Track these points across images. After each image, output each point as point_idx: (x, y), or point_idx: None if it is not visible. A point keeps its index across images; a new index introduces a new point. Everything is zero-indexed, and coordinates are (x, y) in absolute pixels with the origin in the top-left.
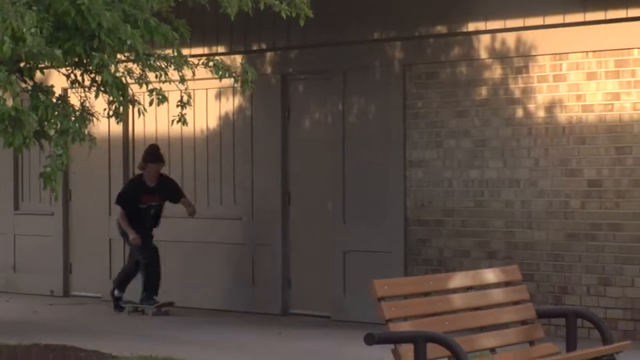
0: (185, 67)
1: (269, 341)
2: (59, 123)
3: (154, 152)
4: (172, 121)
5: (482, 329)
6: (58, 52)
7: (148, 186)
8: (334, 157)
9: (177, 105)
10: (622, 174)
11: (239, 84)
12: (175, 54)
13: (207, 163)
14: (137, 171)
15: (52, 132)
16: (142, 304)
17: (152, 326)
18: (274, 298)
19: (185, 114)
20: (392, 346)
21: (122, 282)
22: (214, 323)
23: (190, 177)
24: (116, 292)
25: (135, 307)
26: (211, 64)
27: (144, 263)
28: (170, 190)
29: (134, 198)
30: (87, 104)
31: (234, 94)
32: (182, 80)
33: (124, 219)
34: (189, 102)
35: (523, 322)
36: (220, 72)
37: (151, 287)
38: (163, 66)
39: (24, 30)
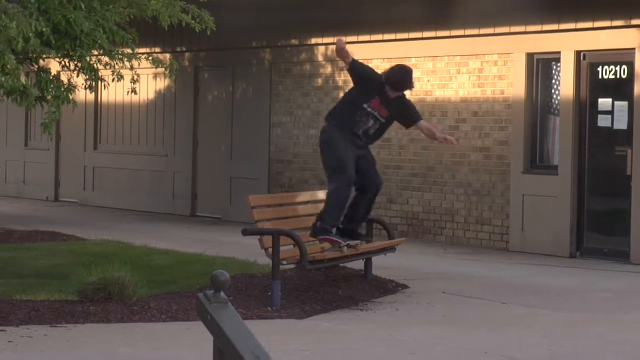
0: (134, 60)
1: (182, 231)
2: (54, 92)
3: None
4: (128, 92)
5: None
6: (51, 51)
7: None
8: (226, 119)
9: (131, 82)
10: (403, 135)
11: (168, 71)
12: (130, 51)
13: (147, 120)
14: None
15: (49, 97)
16: None
17: (111, 220)
18: (186, 206)
19: (135, 87)
20: (258, 237)
21: None
22: (151, 220)
23: (136, 128)
24: None
25: None
26: (150, 58)
27: None
28: None
29: None
30: (72, 81)
31: (164, 78)
32: (132, 67)
33: None
34: (138, 80)
35: None
36: (156, 64)
37: None
38: (120, 58)
39: (30, 34)
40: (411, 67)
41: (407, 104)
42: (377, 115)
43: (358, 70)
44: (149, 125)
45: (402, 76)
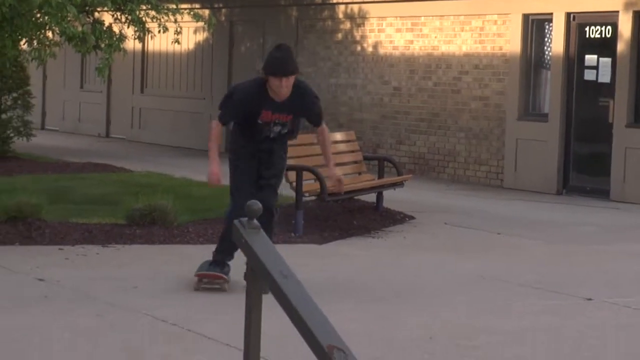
0: (178, 14)
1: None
2: (107, 40)
3: None
4: (171, 42)
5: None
6: (108, 2)
7: None
8: (257, 67)
9: (174, 33)
10: (412, 84)
11: (207, 25)
12: (174, 6)
13: (187, 67)
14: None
15: (102, 45)
16: None
17: (155, 155)
18: (221, 143)
19: (178, 38)
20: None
21: None
22: (189, 156)
23: (178, 74)
24: None
25: None
26: (192, 13)
27: None
28: None
29: None
30: (123, 31)
31: (203, 31)
32: (175, 21)
33: None
34: (180, 32)
35: (355, 162)
36: (197, 18)
37: None
38: (165, 12)
39: None
40: (290, 46)
41: (305, 104)
42: (278, 121)
43: (229, 118)
44: (189, 72)
45: (277, 57)
